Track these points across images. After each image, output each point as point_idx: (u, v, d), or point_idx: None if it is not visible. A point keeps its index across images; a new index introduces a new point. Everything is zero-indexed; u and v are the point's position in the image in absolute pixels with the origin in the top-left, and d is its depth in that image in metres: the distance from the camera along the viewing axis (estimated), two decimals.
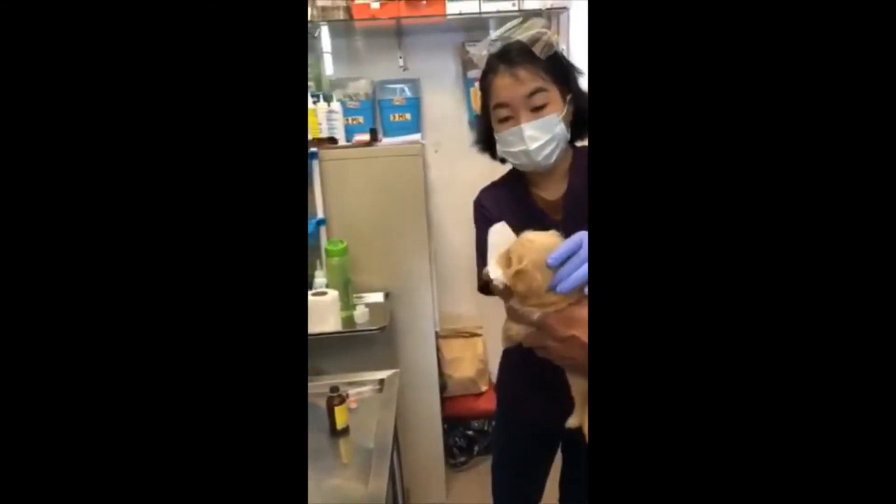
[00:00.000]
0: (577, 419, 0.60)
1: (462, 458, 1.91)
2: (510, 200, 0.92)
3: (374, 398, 1.17)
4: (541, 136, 0.82)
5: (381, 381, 1.20)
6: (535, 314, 0.58)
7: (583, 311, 0.52)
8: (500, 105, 0.84)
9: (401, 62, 1.85)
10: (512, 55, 0.83)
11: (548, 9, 1.68)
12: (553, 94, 0.83)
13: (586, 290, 0.53)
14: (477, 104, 1.85)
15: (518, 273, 0.52)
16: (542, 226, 0.67)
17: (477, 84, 1.87)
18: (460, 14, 1.67)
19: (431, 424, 1.72)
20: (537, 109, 0.82)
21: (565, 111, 0.84)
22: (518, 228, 0.73)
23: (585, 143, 0.93)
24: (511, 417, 1.03)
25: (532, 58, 0.81)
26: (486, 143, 0.93)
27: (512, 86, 0.82)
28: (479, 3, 1.66)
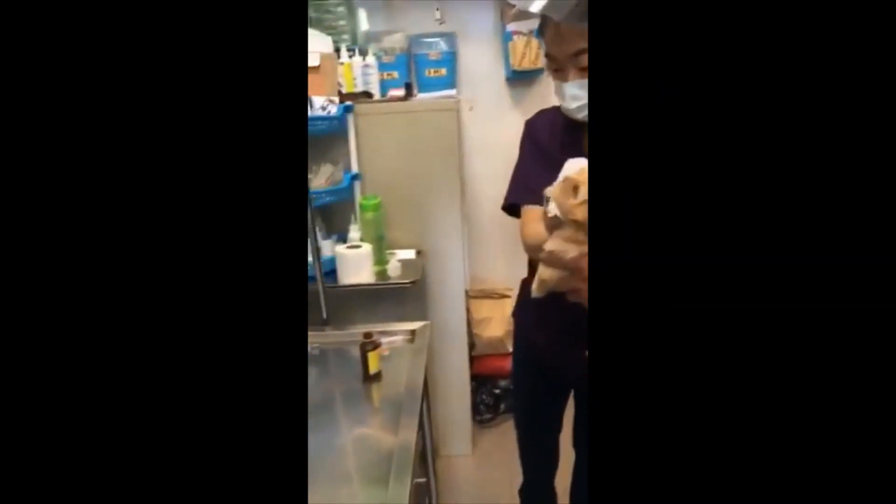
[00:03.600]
0: None
1: (488, 415, 1.95)
2: (560, 130, 0.91)
3: (406, 348, 1.19)
4: (584, 95, 0.81)
5: (413, 332, 1.22)
6: (570, 253, 0.58)
7: None
8: (549, 56, 0.83)
9: (437, 15, 1.80)
10: None
11: None
12: None
13: None
14: (515, 59, 1.79)
15: (586, 203, 0.53)
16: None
17: (515, 38, 1.81)
18: None
19: (460, 380, 1.75)
20: (584, 69, 0.80)
21: None
22: (558, 161, 0.72)
23: None
24: (526, 358, 1.07)
25: (582, 16, 0.78)
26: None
27: (559, 42, 0.80)
28: None
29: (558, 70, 0.82)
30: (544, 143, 0.92)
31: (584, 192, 0.55)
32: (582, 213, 0.55)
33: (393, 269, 1.42)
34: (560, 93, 0.84)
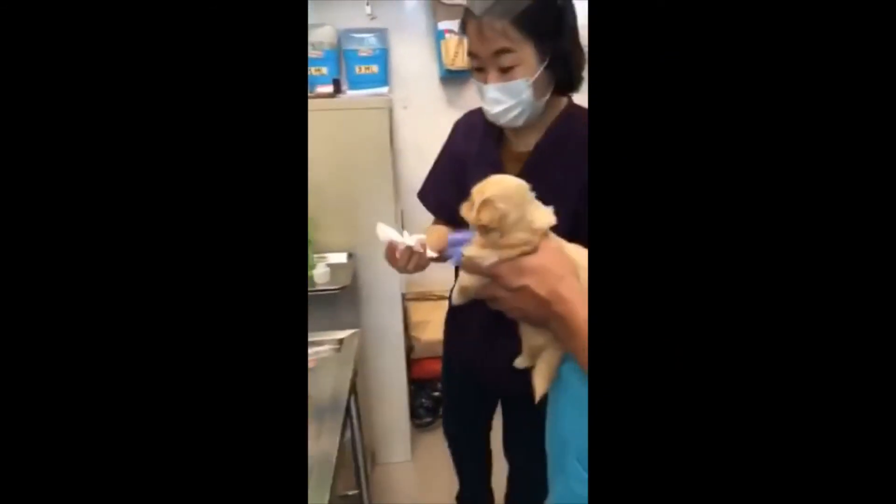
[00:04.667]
0: (525, 361, 0.61)
1: (428, 419, 1.93)
2: (479, 137, 0.88)
3: (333, 358, 1.14)
4: (505, 100, 0.76)
5: (341, 341, 1.17)
6: (488, 260, 0.56)
7: (535, 261, 0.51)
8: (471, 55, 0.77)
9: (368, 10, 1.75)
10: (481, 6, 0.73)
11: None
12: (524, 54, 0.73)
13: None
14: (448, 59, 1.77)
15: (485, 203, 0.51)
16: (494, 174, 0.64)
17: (447, 36, 1.78)
18: None
19: (397, 385, 1.71)
20: (506, 70, 0.74)
21: (538, 73, 0.75)
22: (472, 172, 0.69)
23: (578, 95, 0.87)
24: (451, 364, 1.08)
25: (505, 11, 0.71)
26: None
27: (478, 41, 0.74)
28: None
29: (480, 70, 0.77)
30: (460, 149, 0.88)
31: (477, 199, 0.54)
32: (487, 216, 0.53)
33: (320, 274, 1.35)
34: (480, 95, 0.79)
